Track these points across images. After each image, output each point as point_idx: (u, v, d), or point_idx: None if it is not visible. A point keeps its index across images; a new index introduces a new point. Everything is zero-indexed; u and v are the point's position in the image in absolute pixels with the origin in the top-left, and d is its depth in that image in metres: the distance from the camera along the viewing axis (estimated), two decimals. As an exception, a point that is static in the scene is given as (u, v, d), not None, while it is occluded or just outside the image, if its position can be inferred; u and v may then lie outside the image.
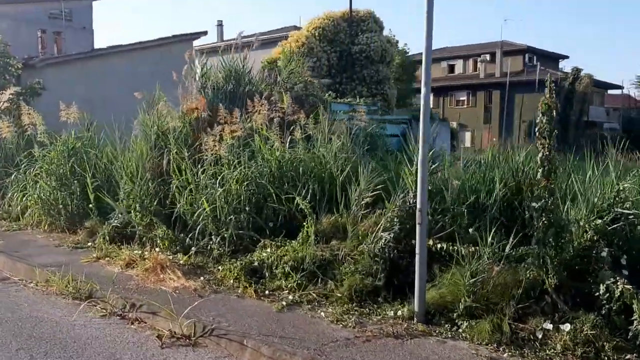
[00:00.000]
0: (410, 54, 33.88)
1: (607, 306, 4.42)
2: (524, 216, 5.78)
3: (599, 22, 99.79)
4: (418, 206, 4.87)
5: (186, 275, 6.35)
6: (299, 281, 5.76)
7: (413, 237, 5.49)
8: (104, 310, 5.66)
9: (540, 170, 4.64)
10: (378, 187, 6.14)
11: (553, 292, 4.54)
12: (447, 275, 5.15)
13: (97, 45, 23.46)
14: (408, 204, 5.51)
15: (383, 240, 5.52)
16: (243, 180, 7.01)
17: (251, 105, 7.79)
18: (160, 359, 4.59)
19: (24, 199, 9.87)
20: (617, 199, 4.94)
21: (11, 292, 6.47)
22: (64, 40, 19.85)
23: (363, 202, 6.12)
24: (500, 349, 4.36)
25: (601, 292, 4.44)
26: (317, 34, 22.46)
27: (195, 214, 7.19)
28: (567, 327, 4.34)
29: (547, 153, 4.61)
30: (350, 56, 23.02)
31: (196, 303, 5.39)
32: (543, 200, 4.58)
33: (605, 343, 4.22)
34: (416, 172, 5.46)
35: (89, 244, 8.14)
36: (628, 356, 4.18)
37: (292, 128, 7.88)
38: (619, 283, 4.38)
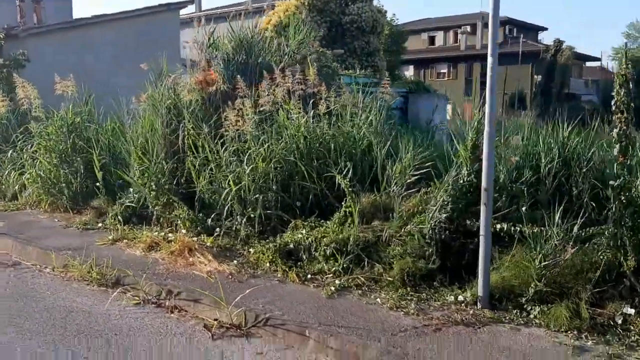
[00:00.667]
0: (398, 23, 33.32)
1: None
2: (571, 193, 5.58)
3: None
4: (483, 185, 4.57)
5: (217, 259, 5.98)
6: (344, 265, 5.44)
7: (467, 217, 5.22)
8: (137, 298, 5.27)
9: (617, 146, 4.36)
10: (425, 164, 5.80)
11: (631, 275, 4.31)
12: (507, 257, 4.90)
13: (75, 16, 22.43)
14: (462, 181, 5.21)
15: (434, 220, 5.23)
16: (271, 157, 6.61)
17: (268, 78, 7.34)
18: (216, 352, 4.25)
19: (21, 177, 9.31)
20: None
21: (27, 278, 6.03)
22: (44, 9, 18.83)
23: (408, 180, 5.79)
24: (583, 336, 4.09)
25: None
26: (306, 3, 21.77)
27: (218, 194, 6.80)
28: (649, 311, 4.13)
29: (625, 128, 4.33)
30: (340, 26, 22.39)
31: (247, 291, 5.00)
32: (622, 178, 4.31)
33: (690, 328, 4.02)
34: (472, 147, 5.19)
35: (99, 224, 7.70)
36: None
37: (311, 102, 7.48)
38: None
